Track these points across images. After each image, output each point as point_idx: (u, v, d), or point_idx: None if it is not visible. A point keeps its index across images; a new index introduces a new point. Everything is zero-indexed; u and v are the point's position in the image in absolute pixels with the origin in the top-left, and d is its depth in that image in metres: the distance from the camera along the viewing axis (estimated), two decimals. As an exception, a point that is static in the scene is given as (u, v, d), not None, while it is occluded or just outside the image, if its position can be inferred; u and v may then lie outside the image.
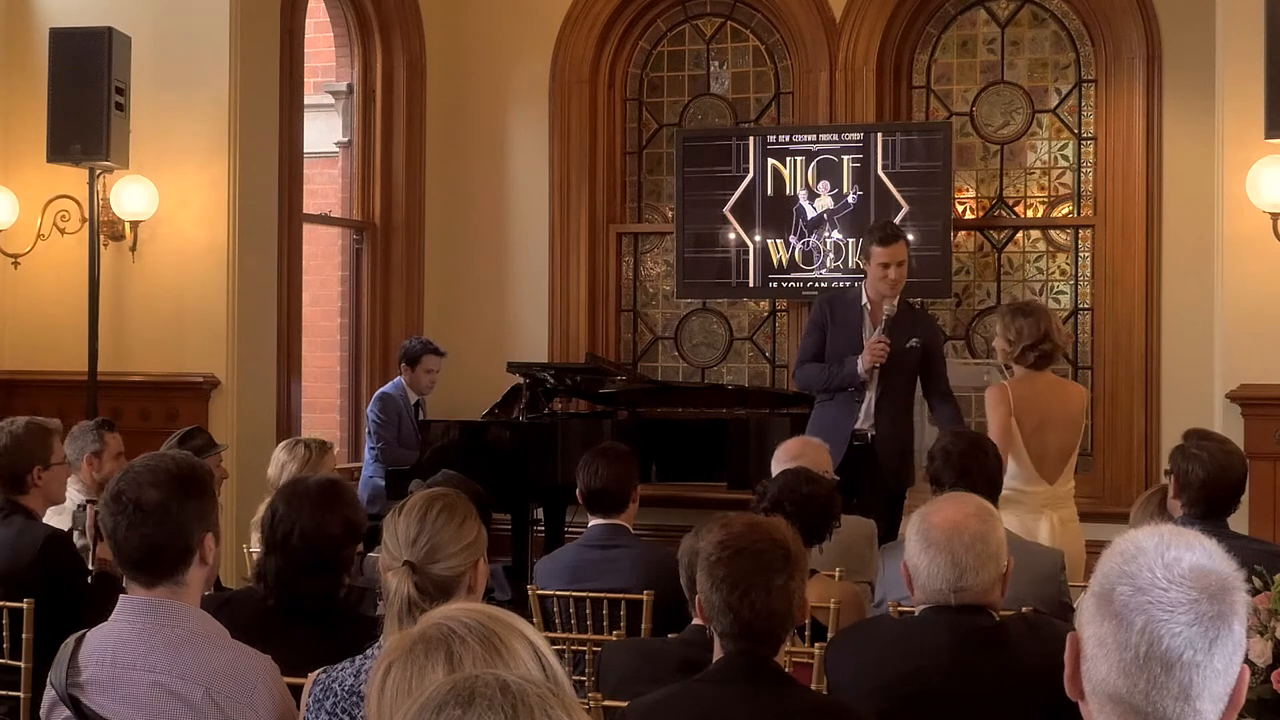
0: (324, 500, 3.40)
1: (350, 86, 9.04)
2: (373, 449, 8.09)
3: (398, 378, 8.19)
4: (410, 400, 8.14)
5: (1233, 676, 1.65)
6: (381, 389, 8.22)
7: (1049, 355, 5.55)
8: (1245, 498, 4.39)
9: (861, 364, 6.13)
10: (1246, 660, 2.99)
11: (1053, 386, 5.67)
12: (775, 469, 4.96)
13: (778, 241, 8.44)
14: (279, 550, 3.34)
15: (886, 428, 6.20)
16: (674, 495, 7.77)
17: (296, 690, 2.71)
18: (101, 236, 7.04)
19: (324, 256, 9.69)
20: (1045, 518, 5.41)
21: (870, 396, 6.20)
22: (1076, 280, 8.46)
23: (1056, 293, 8.51)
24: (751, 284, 8.56)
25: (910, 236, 8.19)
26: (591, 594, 4.43)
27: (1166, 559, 1.64)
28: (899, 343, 6.14)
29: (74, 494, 4.86)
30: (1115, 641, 1.63)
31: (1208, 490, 4.16)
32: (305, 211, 8.11)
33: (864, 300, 6.29)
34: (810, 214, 8.39)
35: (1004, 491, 5.05)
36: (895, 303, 6.19)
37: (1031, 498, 5.44)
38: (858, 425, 6.19)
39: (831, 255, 8.31)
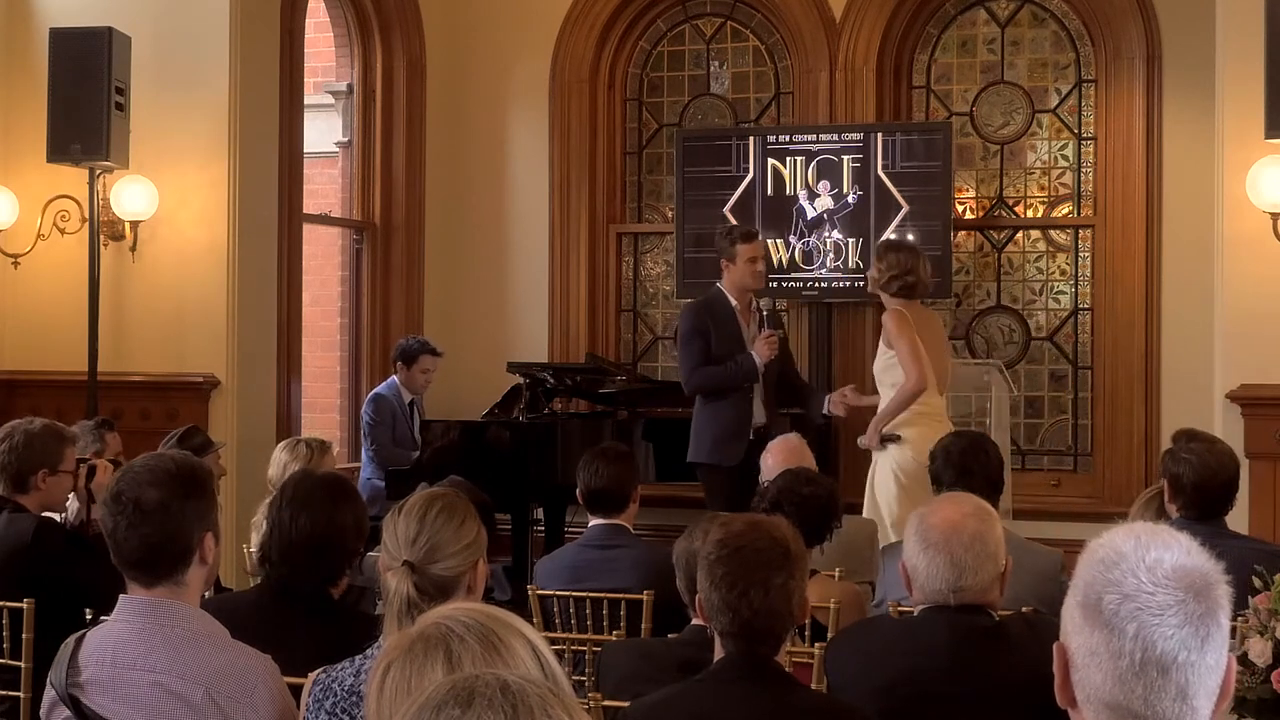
0: (334, 494, 3.41)
1: (350, 86, 9.04)
2: (369, 450, 8.09)
3: (392, 377, 8.19)
4: (405, 400, 8.13)
5: (1224, 669, 1.65)
6: (375, 390, 8.22)
7: (912, 287, 6.23)
8: (1245, 498, 4.40)
9: (760, 359, 6.41)
10: (1246, 660, 3.00)
11: (927, 313, 6.50)
12: (766, 470, 4.98)
13: (778, 241, 8.43)
14: (285, 543, 3.33)
15: (773, 418, 6.52)
16: (674, 495, 7.77)
17: (296, 690, 2.71)
18: (101, 236, 7.04)
19: (324, 256, 9.69)
20: (947, 426, 6.00)
21: (759, 390, 6.50)
22: (1076, 280, 8.46)
23: (1056, 293, 8.51)
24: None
25: (911, 236, 8.22)
26: (591, 594, 4.42)
27: (1148, 561, 1.64)
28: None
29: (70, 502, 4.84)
30: (1108, 650, 1.63)
31: (1201, 492, 4.17)
32: (305, 211, 8.11)
33: (731, 302, 6.55)
34: (810, 214, 8.39)
35: (914, 407, 6.00)
36: (770, 300, 6.63)
37: (934, 409, 6.14)
38: (756, 420, 6.48)
39: (831, 255, 8.31)
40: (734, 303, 6.56)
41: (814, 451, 5.42)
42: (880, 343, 6.30)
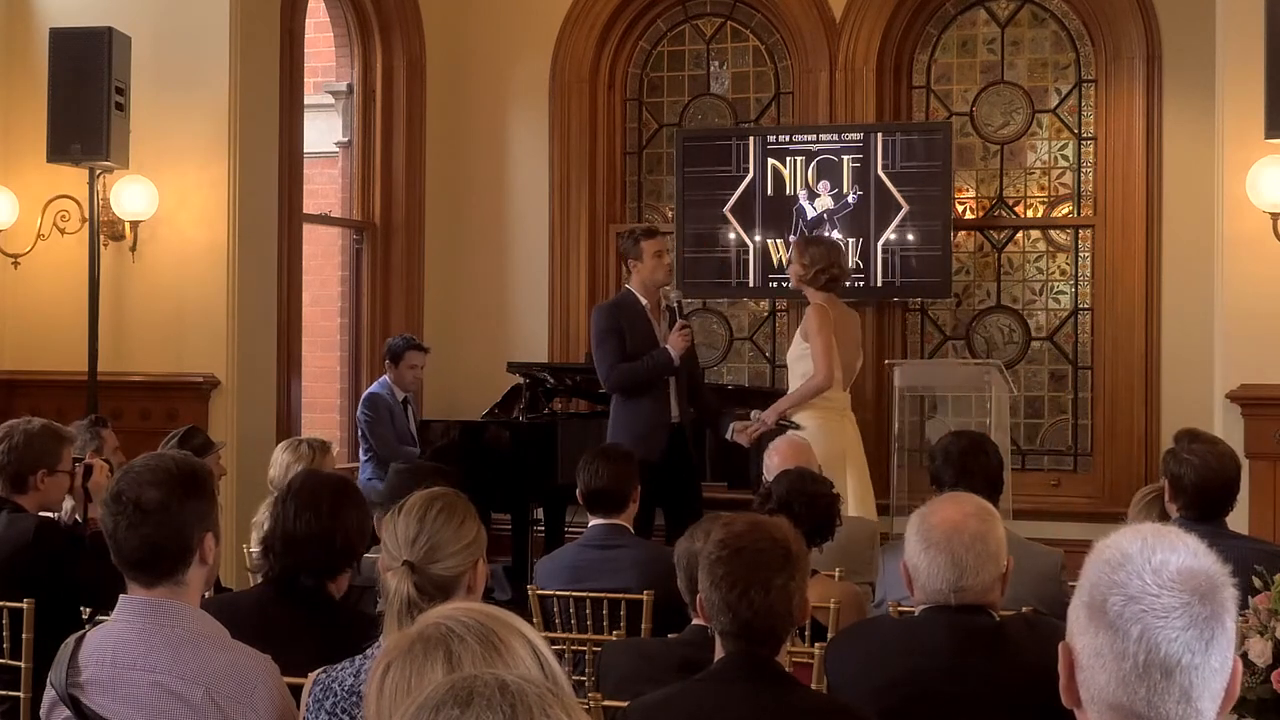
0: (339, 495, 3.41)
1: (350, 86, 9.04)
2: (367, 451, 8.07)
3: (383, 377, 8.16)
4: (398, 398, 8.11)
5: (1229, 672, 1.65)
6: (368, 390, 8.20)
7: (836, 279, 6.58)
8: (1245, 498, 4.40)
9: (675, 351, 6.54)
10: (1246, 660, 3.00)
11: (846, 310, 6.76)
12: (770, 470, 4.99)
13: (778, 241, 8.44)
14: (288, 537, 3.33)
15: (685, 412, 6.69)
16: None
17: (296, 690, 2.71)
18: (101, 236, 7.04)
19: (324, 256, 9.69)
20: (848, 419, 6.51)
21: (673, 385, 6.65)
22: (1076, 280, 8.46)
23: (1056, 293, 8.51)
24: (751, 284, 8.56)
25: (910, 236, 8.23)
26: (591, 594, 4.43)
27: (1154, 563, 1.64)
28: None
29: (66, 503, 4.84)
30: (1112, 652, 1.63)
31: (1201, 493, 4.17)
32: (305, 211, 8.11)
33: (641, 301, 6.68)
34: (810, 214, 8.39)
35: (815, 400, 6.33)
36: (678, 293, 6.77)
37: (837, 403, 6.47)
38: (673, 415, 6.64)
39: (831, 255, 8.30)
40: (644, 302, 6.70)
41: None
42: (797, 333, 6.62)
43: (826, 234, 8.13)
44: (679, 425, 6.66)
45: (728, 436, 6.76)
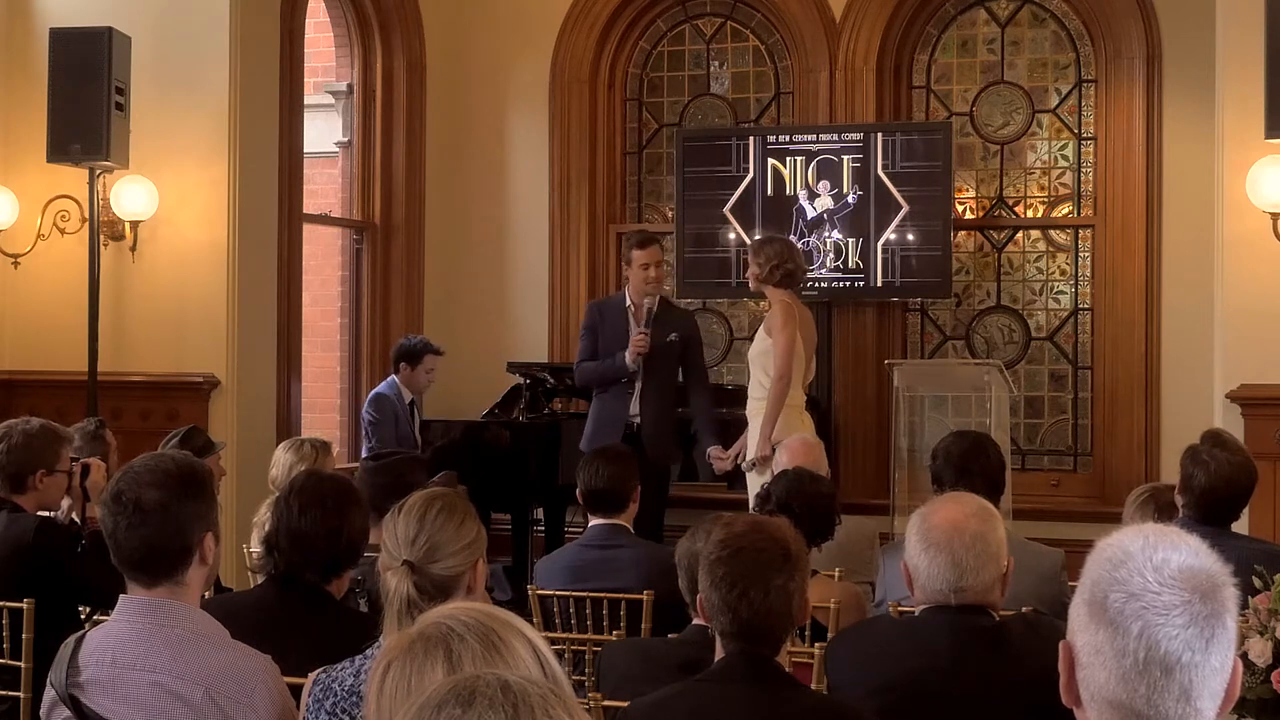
0: (342, 497, 3.42)
1: (350, 86, 9.04)
2: (371, 449, 8.07)
3: (391, 377, 8.14)
4: (405, 399, 8.10)
5: (1229, 672, 1.65)
6: (375, 389, 8.19)
7: (792, 274, 6.65)
8: (1245, 498, 4.40)
9: (627, 356, 6.79)
10: (1246, 660, 3.00)
11: (806, 310, 6.85)
12: (780, 467, 5.00)
13: (778, 241, 8.42)
14: (291, 533, 3.33)
15: (650, 413, 6.87)
16: (674, 495, 7.75)
17: (296, 690, 2.71)
18: (101, 236, 7.04)
19: (324, 256, 9.69)
20: (805, 418, 6.58)
21: (638, 386, 6.86)
22: (1076, 280, 8.46)
23: (1056, 293, 8.51)
24: (751, 284, 8.54)
25: (910, 236, 8.22)
26: (591, 594, 4.43)
27: (1155, 561, 1.64)
28: (660, 336, 6.82)
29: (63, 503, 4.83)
30: (1112, 649, 1.63)
31: (1208, 498, 4.17)
32: (305, 211, 8.11)
33: (627, 303, 6.96)
34: (810, 214, 8.38)
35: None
36: (655, 300, 6.90)
37: (795, 401, 6.53)
38: (631, 414, 6.86)
39: (831, 255, 8.31)
40: (629, 303, 6.93)
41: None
42: (761, 329, 6.72)
43: (826, 234, 8.20)
44: (636, 424, 6.81)
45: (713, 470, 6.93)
